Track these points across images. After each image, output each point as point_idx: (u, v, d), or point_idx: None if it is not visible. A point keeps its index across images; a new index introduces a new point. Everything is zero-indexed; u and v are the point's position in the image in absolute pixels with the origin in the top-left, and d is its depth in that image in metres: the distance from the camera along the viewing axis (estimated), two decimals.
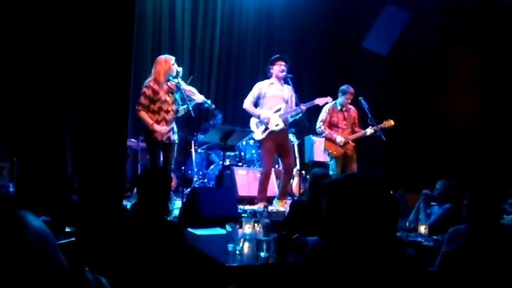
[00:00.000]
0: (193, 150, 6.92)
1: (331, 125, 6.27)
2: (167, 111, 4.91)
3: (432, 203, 4.50)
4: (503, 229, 2.76)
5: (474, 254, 2.52)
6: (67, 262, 0.89)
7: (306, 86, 8.56)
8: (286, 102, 5.71)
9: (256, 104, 5.74)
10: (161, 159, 4.98)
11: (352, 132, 6.29)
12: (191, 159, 6.87)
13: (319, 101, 5.80)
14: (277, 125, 5.59)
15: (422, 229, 4.04)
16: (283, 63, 5.71)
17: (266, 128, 5.60)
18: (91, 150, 3.34)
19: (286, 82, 5.77)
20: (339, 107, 6.27)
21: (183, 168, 6.41)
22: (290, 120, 5.81)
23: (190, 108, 4.93)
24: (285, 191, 5.90)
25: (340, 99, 6.25)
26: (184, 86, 5.01)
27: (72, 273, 0.89)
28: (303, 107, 5.59)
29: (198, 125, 7.41)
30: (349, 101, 6.27)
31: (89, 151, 3.36)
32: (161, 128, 4.83)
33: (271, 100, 5.66)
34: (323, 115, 6.26)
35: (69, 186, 5.18)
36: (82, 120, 4.61)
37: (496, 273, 2.43)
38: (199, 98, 5.13)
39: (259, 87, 5.72)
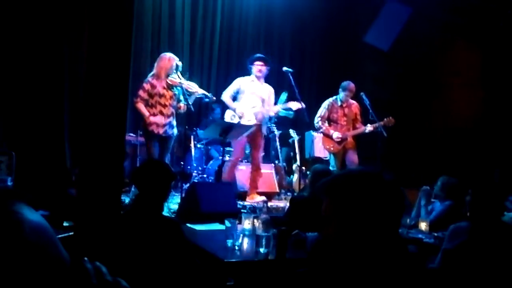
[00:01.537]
0: (192, 145, 6.89)
1: (331, 121, 6.23)
2: (164, 105, 5.05)
3: (433, 200, 4.48)
4: (504, 226, 2.75)
5: (476, 251, 2.51)
6: (68, 256, 0.87)
7: (307, 80, 8.51)
8: (263, 101, 5.78)
9: (234, 98, 5.81)
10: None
11: (352, 128, 6.25)
12: (190, 154, 6.84)
13: (292, 104, 5.79)
14: (249, 120, 5.66)
15: (423, 226, 4.01)
16: (261, 63, 5.71)
17: (239, 122, 5.67)
18: (90, 144, 3.32)
19: (286, 77, 5.77)
20: (339, 103, 6.24)
21: (182, 163, 6.38)
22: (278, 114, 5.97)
23: (190, 103, 4.99)
24: (254, 186, 5.90)
25: (341, 95, 6.22)
26: (183, 81, 5.10)
27: (73, 265, 0.88)
28: (276, 108, 5.80)
29: (198, 120, 7.38)
30: (349, 97, 6.23)
31: (88, 145, 3.34)
32: (156, 120, 4.96)
33: (250, 96, 5.73)
34: (321, 110, 6.23)
35: (68, 180, 5.17)
36: (81, 114, 4.60)
37: (497, 270, 2.42)
38: (199, 91, 5.24)
39: (239, 83, 5.78)
